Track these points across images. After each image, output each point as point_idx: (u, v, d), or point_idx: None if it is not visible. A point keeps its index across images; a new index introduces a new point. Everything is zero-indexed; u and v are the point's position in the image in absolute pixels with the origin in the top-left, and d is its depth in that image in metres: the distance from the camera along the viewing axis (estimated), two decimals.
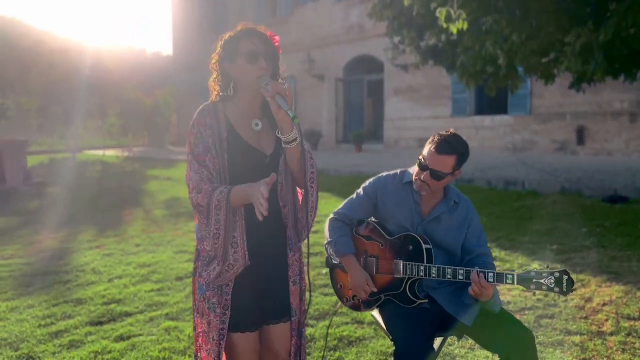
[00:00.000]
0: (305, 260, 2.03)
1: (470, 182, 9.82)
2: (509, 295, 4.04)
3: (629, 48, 5.37)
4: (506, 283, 2.02)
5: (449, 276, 2.13)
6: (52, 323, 3.78)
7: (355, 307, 2.41)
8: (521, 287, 2.01)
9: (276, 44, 1.96)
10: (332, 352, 3.22)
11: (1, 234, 7.04)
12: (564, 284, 1.94)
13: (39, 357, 3.23)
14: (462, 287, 2.20)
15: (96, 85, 24.14)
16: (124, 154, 22.52)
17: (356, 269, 2.33)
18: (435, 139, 2.24)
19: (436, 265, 2.17)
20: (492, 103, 15.14)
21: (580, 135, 13.22)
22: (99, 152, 24.06)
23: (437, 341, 2.51)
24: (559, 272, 1.96)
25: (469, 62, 7.34)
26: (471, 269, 2.07)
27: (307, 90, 20.57)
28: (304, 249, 2.01)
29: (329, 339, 3.38)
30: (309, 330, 3.50)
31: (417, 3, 6.60)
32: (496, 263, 4.82)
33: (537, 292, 2.03)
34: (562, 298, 3.94)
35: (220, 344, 1.90)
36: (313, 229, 3.27)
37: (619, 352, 3.08)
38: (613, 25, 5.22)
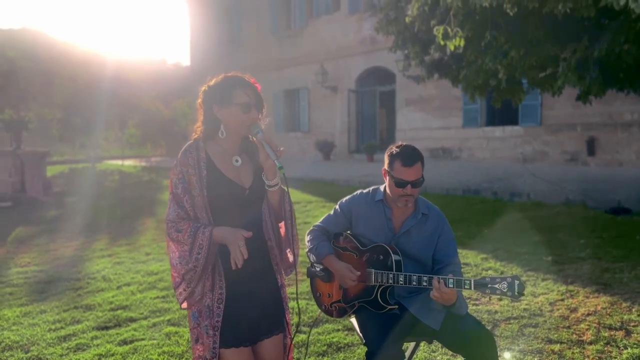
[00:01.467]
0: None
1: (477, 193, 9.92)
2: (497, 305, 4.18)
3: (624, 64, 5.48)
4: (464, 288, 2.18)
5: (414, 283, 2.30)
6: (61, 327, 4.02)
7: (331, 314, 2.60)
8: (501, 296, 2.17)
9: (259, 90, 2.17)
10: (321, 357, 3.40)
11: (20, 242, 7.36)
12: (516, 289, 2.10)
13: (47, 359, 3.46)
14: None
15: (117, 96, 24.71)
16: (142, 163, 23.00)
17: (338, 264, 2.51)
18: (399, 156, 2.42)
19: (403, 273, 2.35)
20: (503, 114, 15.21)
21: (591, 146, 13.22)
22: (118, 162, 24.59)
23: (411, 346, 2.69)
24: (511, 277, 2.12)
25: (472, 76, 7.50)
26: (433, 276, 2.25)
27: (320, 101, 20.84)
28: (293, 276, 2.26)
29: (319, 344, 3.56)
30: (301, 337, 3.68)
31: (418, 20, 6.80)
32: (490, 273, 4.97)
33: (493, 296, 2.17)
34: (548, 308, 4.07)
35: None
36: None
37: None
38: (607, 41, 5.35)
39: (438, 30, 5.53)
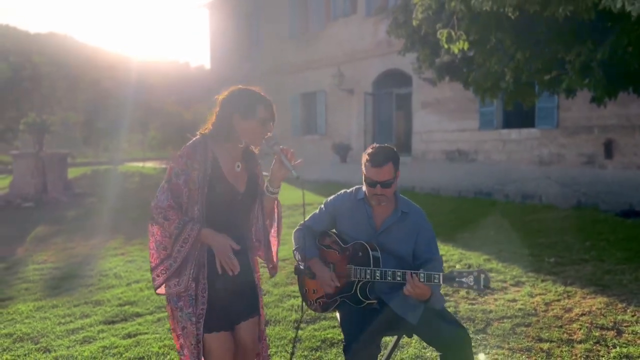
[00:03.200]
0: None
1: (489, 195, 9.92)
2: (493, 304, 4.24)
3: (628, 66, 5.48)
4: (434, 282, 2.28)
5: (389, 278, 2.41)
6: (71, 321, 4.21)
7: (316, 309, 2.71)
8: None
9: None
10: (314, 351, 3.51)
11: (39, 241, 7.63)
12: (481, 282, 2.19)
13: (54, 350, 3.64)
14: None
15: (139, 99, 25.20)
16: (162, 165, 23.39)
17: (322, 269, 2.62)
18: (369, 157, 2.53)
19: (380, 269, 2.45)
20: (519, 116, 15.10)
21: (609, 149, 13.05)
22: (139, 164, 25.05)
23: (393, 340, 2.79)
24: (477, 271, 2.21)
25: (480, 79, 7.53)
26: (407, 271, 2.34)
27: (337, 104, 20.95)
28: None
29: (313, 340, 3.67)
30: (300, 333, 3.80)
31: (424, 23, 6.87)
32: (492, 274, 5.02)
33: (460, 289, 2.26)
34: (543, 308, 4.12)
35: (198, 347, 2.23)
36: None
37: (582, 359, 3.25)
38: (609, 44, 5.35)
39: (442, 34, 5.61)
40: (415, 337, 2.79)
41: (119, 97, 24.76)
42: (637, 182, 10.41)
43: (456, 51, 5.74)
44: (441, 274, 2.27)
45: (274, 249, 2.48)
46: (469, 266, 5.40)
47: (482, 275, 2.19)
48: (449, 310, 4.06)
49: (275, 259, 2.48)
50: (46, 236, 7.98)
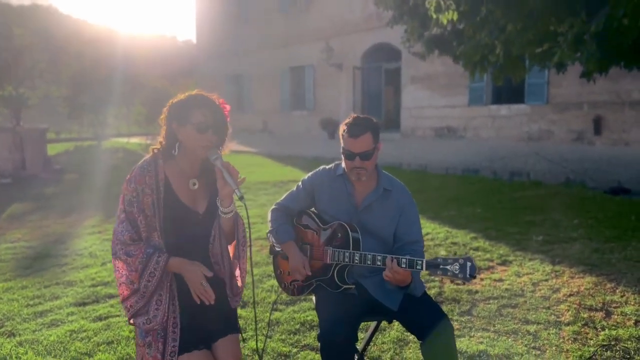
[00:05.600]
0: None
1: (477, 172, 9.79)
2: (480, 284, 4.11)
3: (622, 39, 5.29)
4: (416, 269, 2.11)
5: (369, 262, 2.23)
6: (39, 303, 4.02)
7: (291, 292, 2.54)
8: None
9: (226, 112, 2.08)
10: (292, 335, 3.36)
11: (14, 218, 7.38)
12: (467, 271, 2.02)
13: (19, 334, 3.46)
14: None
15: (126, 73, 24.66)
16: (147, 141, 23.00)
17: (295, 254, 2.44)
18: (346, 127, 2.34)
19: (359, 252, 2.27)
20: (509, 92, 14.95)
21: (597, 126, 12.97)
22: (124, 140, 24.65)
23: (372, 325, 2.63)
24: (463, 258, 2.04)
25: (470, 52, 7.31)
26: (387, 255, 2.17)
27: (325, 79, 20.64)
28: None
29: (292, 322, 3.52)
30: (276, 315, 3.65)
31: None
32: (478, 253, 4.89)
33: (443, 277, 2.08)
34: (531, 288, 3.99)
35: None
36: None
37: (570, 341, 3.13)
38: (604, 15, 5.15)
39: (430, 3, 5.37)
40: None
41: (104, 71, 24.21)
42: (626, 159, 10.33)
43: (445, 22, 5.51)
44: (424, 260, 2.09)
45: (237, 274, 2.21)
46: (455, 245, 5.27)
47: (469, 263, 2.02)
48: (432, 291, 3.94)
49: (239, 286, 2.21)
50: (22, 214, 7.73)
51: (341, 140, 2.38)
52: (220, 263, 2.13)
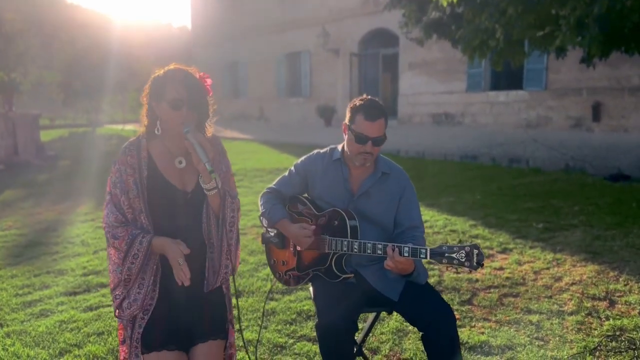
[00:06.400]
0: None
1: (475, 158, 9.69)
2: (480, 273, 4.02)
3: (625, 22, 5.17)
4: (420, 258, 2.00)
5: (369, 251, 2.13)
6: (29, 292, 3.92)
7: (287, 283, 2.44)
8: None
9: (208, 87, 1.94)
10: (289, 325, 3.27)
11: (6, 205, 7.26)
12: (474, 258, 1.92)
13: (7, 325, 3.36)
14: None
15: (120, 59, 24.34)
16: (142, 128, 22.81)
17: (291, 226, 2.31)
18: (361, 109, 2.21)
19: (358, 240, 2.17)
20: (507, 78, 14.80)
21: (597, 112, 12.85)
22: (119, 127, 24.44)
23: (371, 316, 2.54)
24: (469, 246, 1.93)
25: (469, 36, 7.17)
26: (388, 244, 2.07)
27: (322, 65, 20.42)
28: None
29: (289, 312, 3.43)
30: (271, 305, 3.55)
31: None
32: (477, 241, 4.80)
33: (450, 266, 1.97)
34: (532, 277, 3.91)
35: None
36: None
37: (574, 332, 3.05)
38: None
39: None
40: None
41: (98, 57, 23.90)
42: (625, 145, 10.25)
43: (445, 4, 5.37)
44: (428, 248, 1.99)
45: (230, 251, 2.03)
46: (455, 232, 5.17)
47: (475, 251, 1.92)
48: (432, 279, 3.84)
49: (223, 270, 2.03)
50: (14, 201, 7.61)
51: (350, 123, 2.24)
52: (212, 241, 2.00)
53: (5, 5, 28.08)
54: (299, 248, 2.33)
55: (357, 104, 2.25)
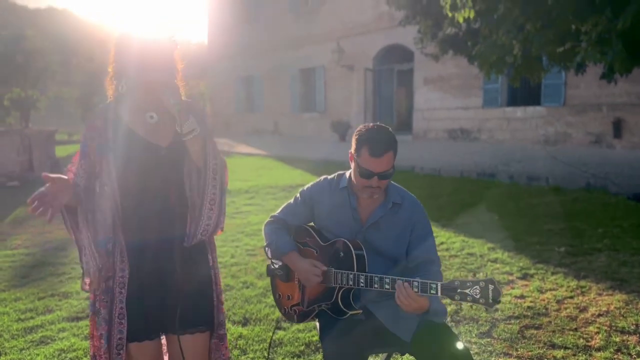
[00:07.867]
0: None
1: (493, 176, 9.47)
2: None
3: None
4: (430, 293, 1.84)
5: (376, 285, 1.97)
6: (31, 317, 3.81)
7: (293, 319, 2.28)
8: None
9: (173, 45, 1.90)
10: (296, 357, 3.11)
11: (17, 223, 7.21)
12: (490, 295, 1.75)
13: (5, 353, 3.24)
14: None
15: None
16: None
17: (299, 261, 2.17)
18: (367, 142, 2.05)
19: (364, 274, 2.01)
20: (524, 94, 14.57)
21: (617, 128, 12.55)
22: None
23: (382, 358, 2.37)
24: (484, 281, 1.77)
25: (486, 52, 7.02)
26: (397, 278, 1.91)
27: (336, 81, 20.37)
28: (219, 259, 1.93)
29: (296, 344, 3.26)
30: (279, 334, 3.39)
31: None
32: (496, 266, 4.60)
33: (464, 303, 1.82)
34: (555, 307, 3.70)
35: (120, 354, 1.81)
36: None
37: None
38: (632, 12, 4.83)
39: (445, 1, 5.09)
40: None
41: None
42: None
43: (461, 20, 5.23)
44: (439, 283, 1.83)
45: (215, 200, 1.88)
46: (472, 256, 4.97)
47: (491, 287, 1.75)
48: (448, 308, 3.65)
49: (205, 225, 1.87)
50: (25, 218, 7.55)
51: (355, 155, 2.09)
52: (197, 197, 1.86)
53: (28, 22, 28.65)
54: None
55: (364, 134, 2.08)
